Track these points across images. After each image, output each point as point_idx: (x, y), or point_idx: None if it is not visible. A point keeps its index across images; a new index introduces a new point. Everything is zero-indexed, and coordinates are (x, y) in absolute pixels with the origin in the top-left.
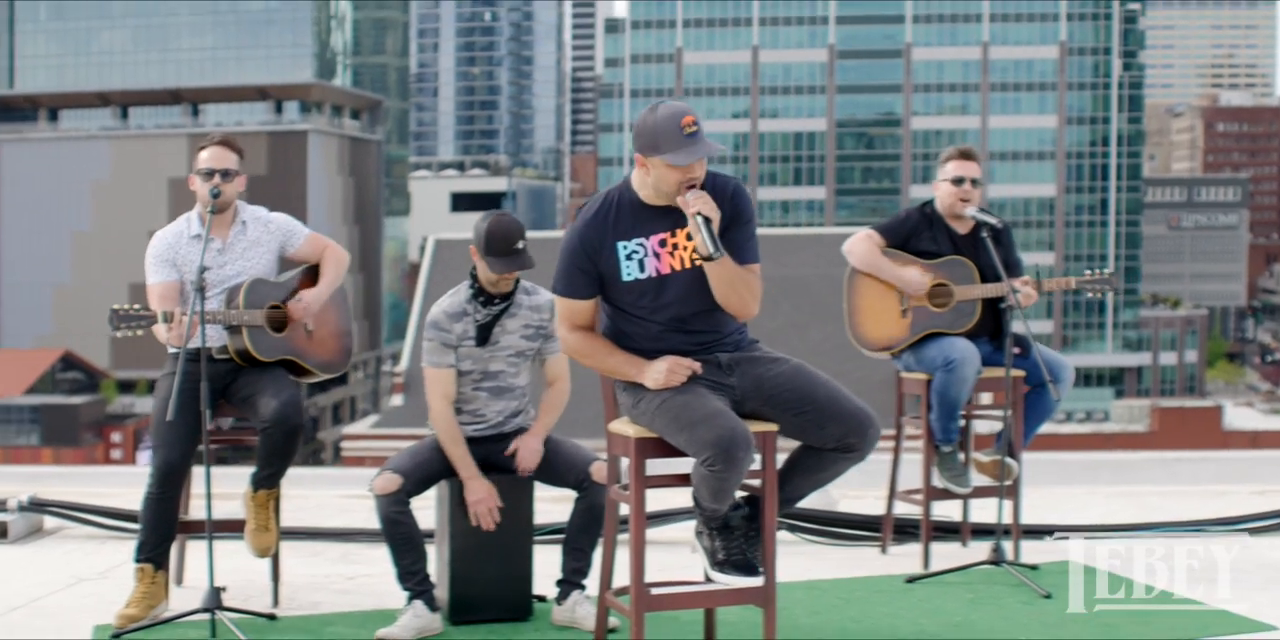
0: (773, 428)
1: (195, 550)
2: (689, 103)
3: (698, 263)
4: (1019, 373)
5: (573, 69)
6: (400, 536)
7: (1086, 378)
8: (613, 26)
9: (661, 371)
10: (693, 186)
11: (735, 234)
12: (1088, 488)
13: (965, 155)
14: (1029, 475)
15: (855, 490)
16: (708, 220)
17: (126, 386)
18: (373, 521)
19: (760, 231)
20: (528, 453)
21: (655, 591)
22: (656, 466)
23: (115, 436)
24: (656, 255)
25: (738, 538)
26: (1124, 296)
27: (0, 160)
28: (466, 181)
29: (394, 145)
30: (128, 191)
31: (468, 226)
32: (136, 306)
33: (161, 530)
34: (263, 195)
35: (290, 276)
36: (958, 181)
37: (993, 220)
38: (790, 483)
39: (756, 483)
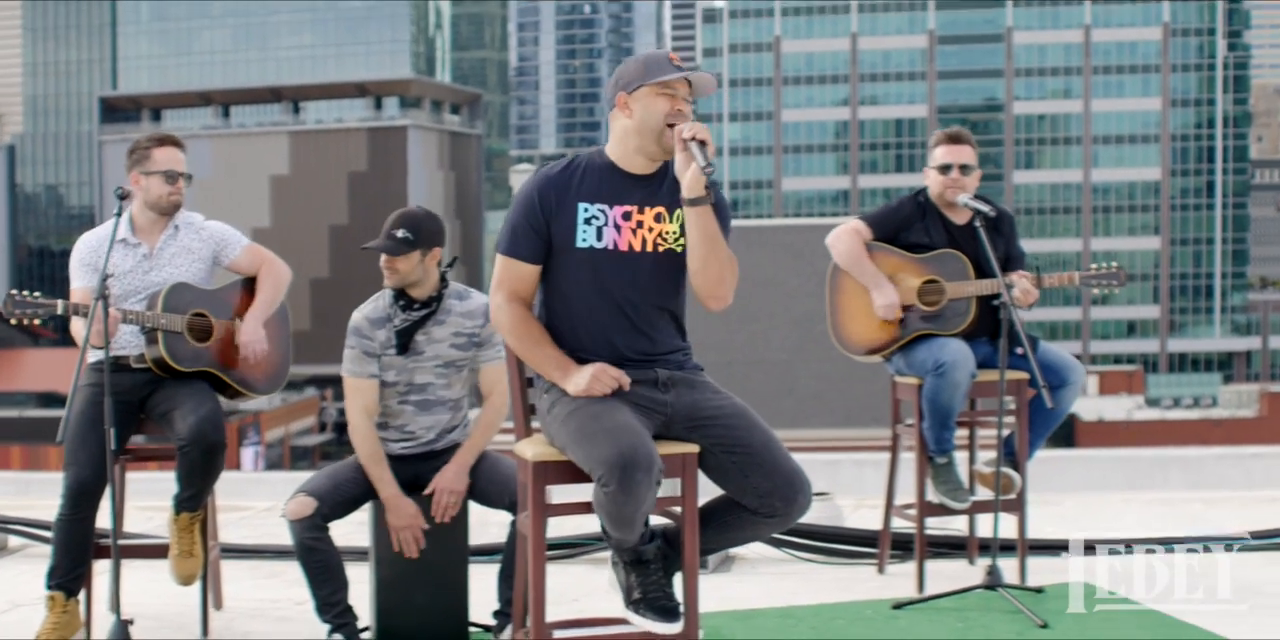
0: (694, 449)
1: (131, 573)
2: (788, 92)
3: (661, 249)
4: (1021, 375)
5: None
6: (316, 564)
7: (1194, 363)
8: (710, 16)
9: (585, 377)
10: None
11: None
12: (1126, 494)
13: (953, 139)
14: (1084, 476)
15: (874, 499)
16: (703, 144)
17: None
18: (353, 538)
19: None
20: (444, 497)
21: (560, 634)
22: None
23: None
24: (617, 228)
25: (654, 573)
26: (1232, 280)
27: (104, 160)
28: None
29: (494, 139)
30: (230, 189)
31: None
32: (36, 294)
33: (74, 554)
34: (363, 192)
35: (225, 286)
36: (944, 169)
37: (985, 208)
38: (703, 533)
39: (677, 510)
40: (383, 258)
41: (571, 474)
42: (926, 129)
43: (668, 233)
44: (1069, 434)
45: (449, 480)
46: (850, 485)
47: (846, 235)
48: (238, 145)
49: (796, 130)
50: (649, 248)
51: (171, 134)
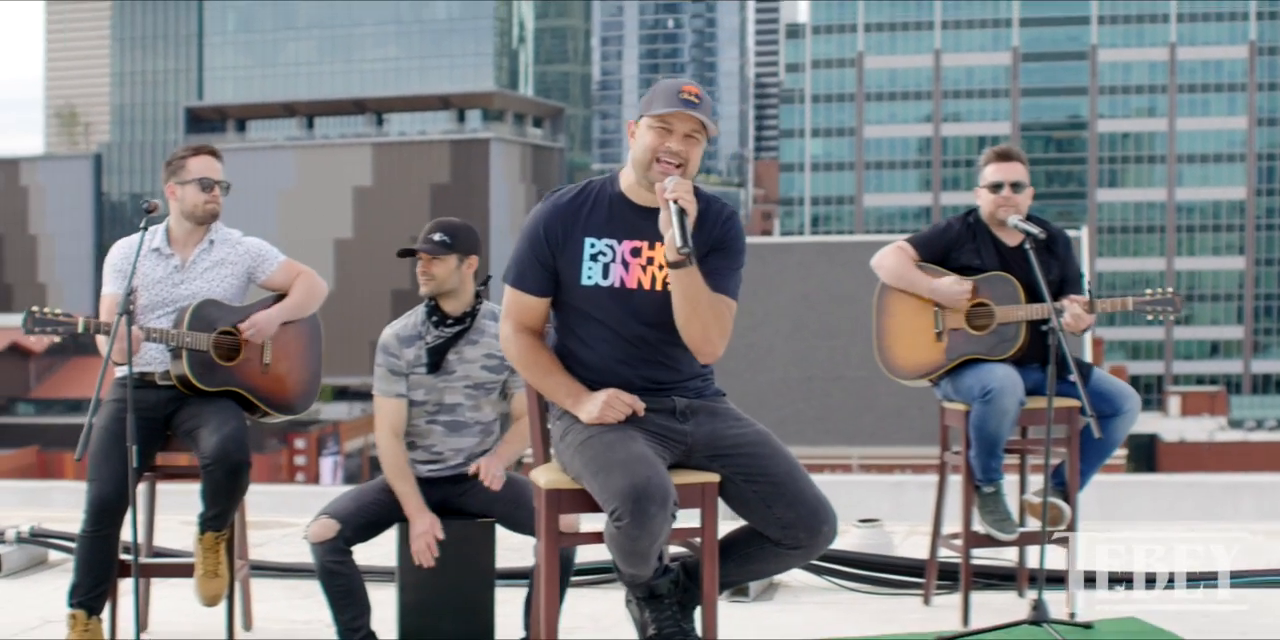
0: (714, 479)
1: (159, 591)
2: (871, 108)
3: (670, 284)
4: (1073, 403)
5: (756, 74)
6: (338, 589)
7: (1278, 384)
8: (794, 31)
9: (597, 404)
10: (676, 166)
11: (716, 261)
12: (1189, 523)
13: (1003, 156)
14: (1152, 503)
15: (929, 525)
16: (683, 212)
17: None
18: (393, 558)
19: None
20: (489, 473)
21: None
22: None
23: (299, 443)
24: (625, 264)
25: (668, 609)
26: None
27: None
28: None
29: (577, 152)
30: (313, 200)
31: None
32: (57, 311)
33: (96, 572)
34: (445, 203)
35: (254, 304)
36: (995, 187)
37: (1035, 230)
38: (723, 565)
39: (698, 541)
40: (419, 263)
41: (587, 503)
42: None
43: None
44: (1150, 455)
45: (492, 462)
46: (912, 508)
47: (891, 254)
48: (321, 156)
49: (879, 146)
50: (658, 285)
51: (208, 144)
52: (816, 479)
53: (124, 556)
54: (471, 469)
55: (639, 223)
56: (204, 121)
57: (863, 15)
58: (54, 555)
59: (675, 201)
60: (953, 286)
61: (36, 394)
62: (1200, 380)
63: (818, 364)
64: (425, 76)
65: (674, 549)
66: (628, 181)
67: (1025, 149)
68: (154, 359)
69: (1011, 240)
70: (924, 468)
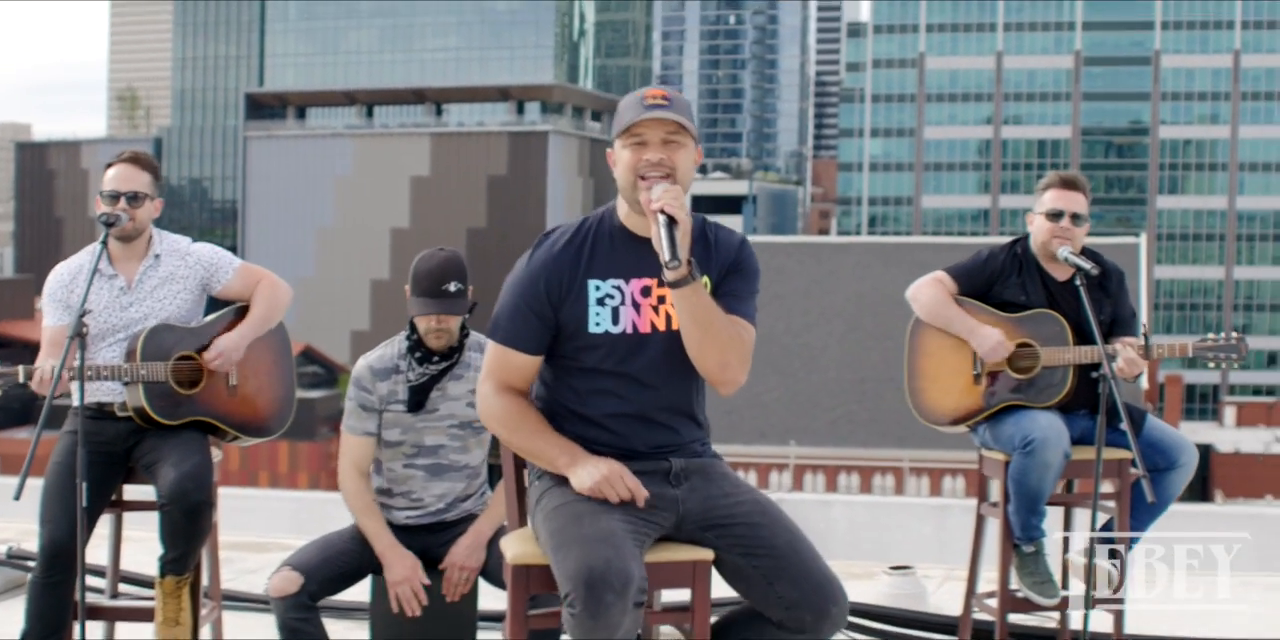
0: (707, 556)
1: (125, 632)
2: (931, 108)
3: (675, 307)
4: (1124, 454)
5: (816, 73)
6: None
7: None
8: (855, 30)
9: (596, 476)
10: (664, 177)
11: (732, 284)
12: (1247, 576)
13: (1068, 184)
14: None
15: (964, 568)
16: (672, 222)
17: None
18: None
19: (998, 240)
20: (457, 573)
21: None
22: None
23: None
24: (636, 306)
25: None
26: None
27: (248, 156)
28: (708, 184)
29: None
30: (371, 188)
31: None
32: None
33: (48, 621)
34: (502, 196)
35: (212, 320)
36: (1054, 216)
37: (1087, 265)
38: None
39: (689, 626)
40: (431, 319)
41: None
42: (1070, 150)
43: None
44: (1204, 466)
45: (463, 555)
46: (955, 536)
47: (928, 285)
48: (380, 145)
49: (938, 148)
50: (674, 325)
51: (134, 151)
52: (868, 489)
53: (93, 598)
54: (442, 565)
55: (644, 257)
56: (264, 108)
57: (925, 15)
58: None
59: (662, 211)
60: (992, 338)
61: None
62: (1258, 391)
63: (871, 365)
64: (485, 67)
65: (668, 629)
66: (624, 212)
67: (1085, 154)
68: (111, 388)
69: (1061, 274)
70: (975, 474)
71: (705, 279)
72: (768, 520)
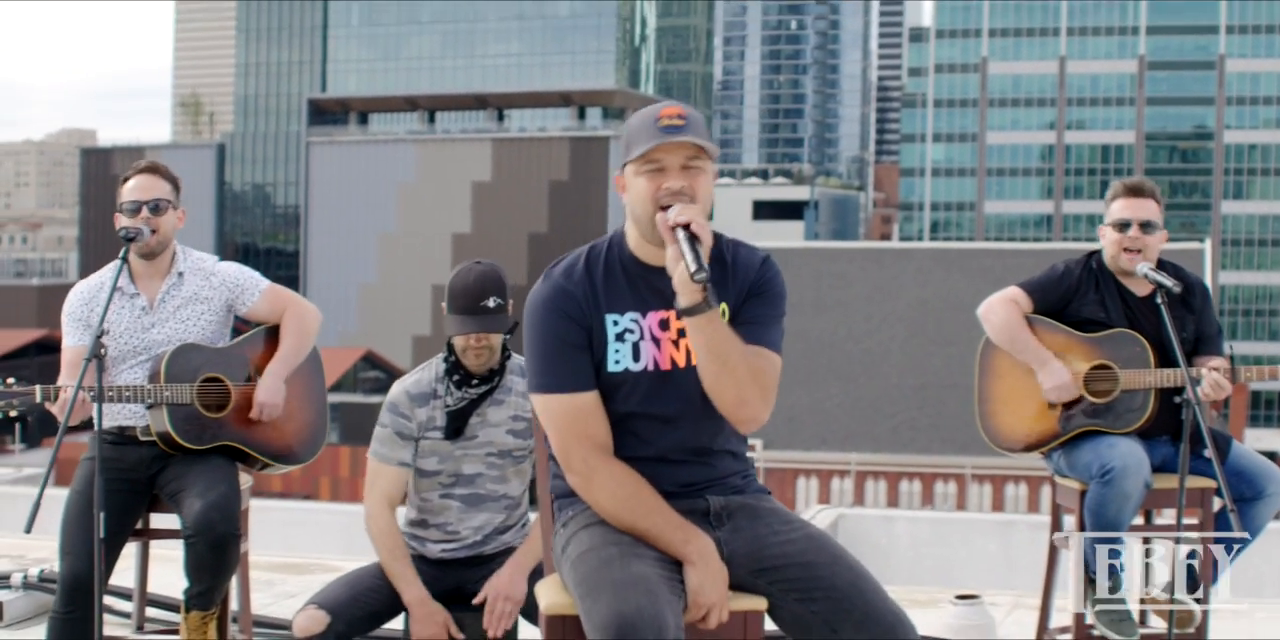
0: (759, 606)
1: None
2: (993, 113)
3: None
4: (1207, 483)
5: (878, 77)
6: None
7: None
8: (917, 35)
9: (701, 585)
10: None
11: (755, 309)
12: None
13: (1134, 191)
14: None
15: (1034, 595)
16: (694, 238)
17: None
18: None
19: (1062, 246)
20: (500, 604)
21: None
22: None
23: None
24: (656, 341)
25: None
26: None
27: (311, 162)
28: (769, 190)
29: None
30: (433, 194)
31: (770, 234)
32: (10, 381)
33: None
34: (563, 201)
35: (241, 341)
36: (1122, 226)
37: (1169, 282)
38: None
39: None
40: (470, 337)
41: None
42: (1134, 155)
43: None
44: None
45: (505, 585)
46: (1021, 553)
47: (1001, 305)
48: (442, 151)
49: (1001, 153)
50: (694, 360)
51: (151, 161)
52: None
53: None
54: (478, 599)
55: (660, 288)
56: (326, 114)
57: (987, 20)
58: None
59: (686, 227)
60: (1060, 377)
61: None
62: None
63: (933, 371)
64: (547, 73)
65: None
66: (635, 240)
67: (1149, 159)
68: (133, 412)
69: (1141, 290)
70: (1037, 481)
71: (723, 306)
72: (825, 558)
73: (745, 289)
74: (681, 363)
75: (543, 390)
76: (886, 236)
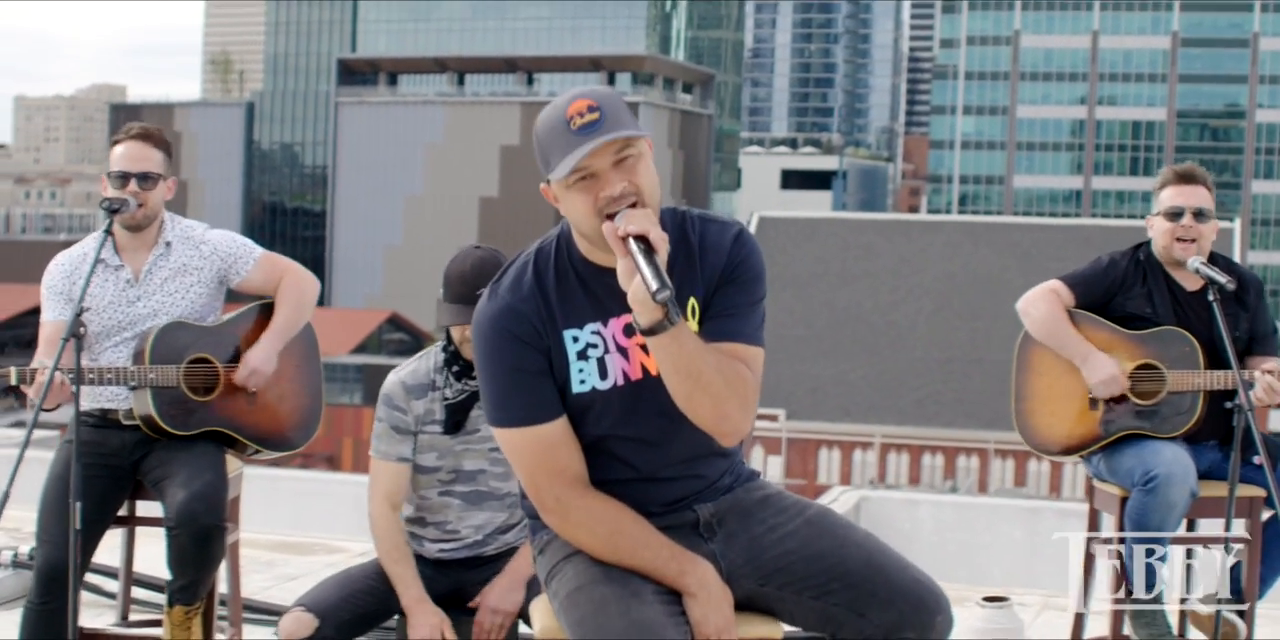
0: (774, 634)
1: None
2: (1025, 87)
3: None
4: (1256, 492)
5: (910, 48)
6: None
7: None
8: (950, 7)
9: (704, 617)
10: (631, 205)
11: (727, 297)
12: None
13: (1185, 178)
14: None
15: (1062, 595)
16: (648, 249)
17: None
18: None
19: (1090, 222)
20: (489, 617)
21: None
22: None
23: None
24: (623, 351)
25: None
26: None
27: (339, 122)
28: (798, 159)
29: (726, 120)
30: (461, 157)
31: (798, 204)
32: None
33: None
34: None
35: (232, 318)
36: (1174, 214)
37: (1222, 278)
38: None
39: None
40: (467, 328)
41: None
42: (1165, 132)
43: None
44: None
45: (498, 596)
46: (1045, 540)
47: (1042, 298)
48: (471, 114)
49: (1031, 127)
50: None
51: (143, 126)
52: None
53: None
54: (473, 602)
55: (618, 291)
56: (356, 74)
57: None
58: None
59: (639, 238)
60: (1106, 370)
61: None
62: None
63: (958, 345)
64: (577, 37)
65: None
66: (584, 245)
67: (1180, 136)
68: (116, 394)
69: (1191, 284)
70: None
71: (692, 303)
72: (831, 543)
73: (717, 273)
74: (655, 369)
75: (502, 424)
76: (915, 208)
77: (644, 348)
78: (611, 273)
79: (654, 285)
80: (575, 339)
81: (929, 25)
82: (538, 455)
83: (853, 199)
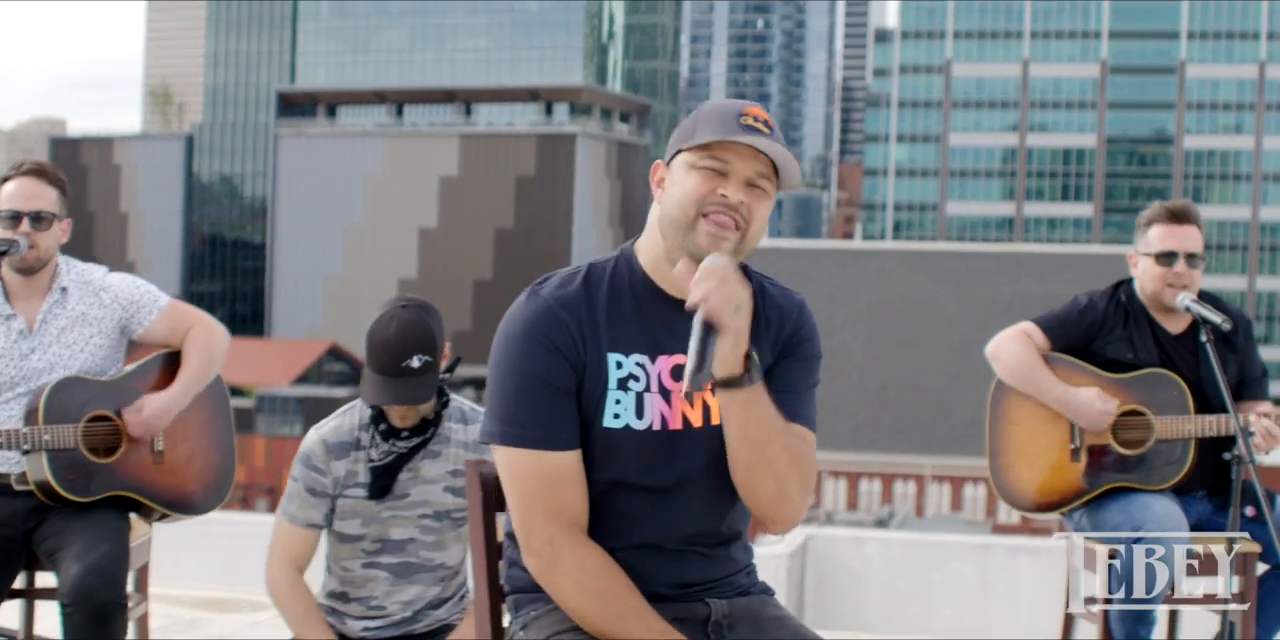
0: None
1: None
2: (957, 115)
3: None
4: (1251, 547)
5: (844, 78)
6: None
7: None
8: (883, 36)
9: None
10: (735, 229)
11: (789, 373)
12: None
13: (1179, 217)
14: None
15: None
16: (709, 331)
17: None
18: None
19: (1023, 248)
20: None
21: None
22: None
23: None
24: (665, 394)
25: None
26: None
27: (279, 154)
28: None
29: (662, 149)
30: (400, 188)
31: None
32: None
33: None
34: (529, 197)
35: (132, 370)
36: (1166, 258)
37: (1217, 318)
38: None
39: None
40: (393, 410)
41: None
42: (1095, 159)
43: None
44: None
45: None
46: (997, 578)
47: (1013, 340)
48: (409, 145)
49: (964, 154)
50: (714, 419)
51: (36, 162)
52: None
53: None
54: None
55: (677, 324)
56: (295, 105)
57: (952, 22)
58: None
59: (705, 318)
60: (1093, 404)
61: None
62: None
63: (894, 372)
64: (515, 68)
65: None
66: (652, 259)
67: (1110, 163)
68: (7, 457)
69: (1175, 326)
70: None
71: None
72: None
73: (780, 344)
74: (696, 421)
75: (508, 442)
76: (849, 236)
77: (688, 397)
78: (673, 303)
79: (692, 365)
80: (619, 365)
81: (862, 55)
82: (541, 488)
83: (787, 227)
